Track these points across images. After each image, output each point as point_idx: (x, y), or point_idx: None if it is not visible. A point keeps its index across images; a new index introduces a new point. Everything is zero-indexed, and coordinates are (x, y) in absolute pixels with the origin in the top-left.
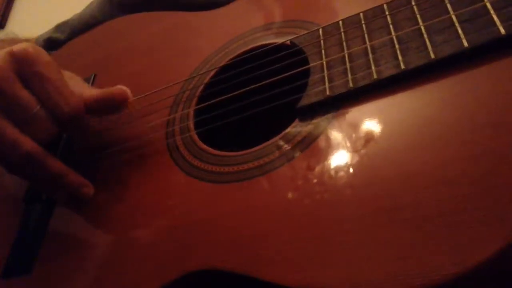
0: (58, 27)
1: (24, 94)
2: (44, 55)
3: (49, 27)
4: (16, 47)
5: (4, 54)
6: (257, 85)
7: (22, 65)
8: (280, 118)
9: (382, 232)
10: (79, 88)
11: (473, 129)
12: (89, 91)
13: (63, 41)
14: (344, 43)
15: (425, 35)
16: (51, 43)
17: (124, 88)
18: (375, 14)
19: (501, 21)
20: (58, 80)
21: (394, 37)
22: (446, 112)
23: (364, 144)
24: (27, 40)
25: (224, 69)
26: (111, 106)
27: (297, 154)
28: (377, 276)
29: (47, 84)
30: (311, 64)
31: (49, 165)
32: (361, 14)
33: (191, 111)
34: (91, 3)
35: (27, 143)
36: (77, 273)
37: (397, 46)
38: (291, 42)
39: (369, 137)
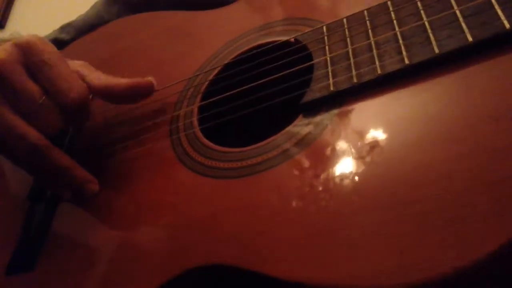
0: (63, 28)
1: (30, 85)
2: (48, 45)
3: (49, 27)
4: (21, 39)
5: (9, 46)
6: (261, 81)
7: (27, 56)
8: (284, 115)
9: (385, 227)
10: (95, 74)
11: (476, 125)
12: (112, 79)
13: (69, 42)
14: (348, 39)
15: (429, 30)
16: (57, 44)
17: (153, 79)
18: (379, 10)
19: (506, 16)
20: (64, 70)
21: (398, 33)
22: (450, 108)
23: (367, 140)
24: None
25: (228, 66)
26: (141, 94)
27: (301, 150)
28: (380, 270)
29: (53, 74)
30: (315, 60)
31: (55, 157)
32: (365, 11)
33: (195, 108)
34: (95, 3)
35: (33, 135)
36: (80, 269)
37: (401, 41)
38: (295, 39)
39: (372, 133)
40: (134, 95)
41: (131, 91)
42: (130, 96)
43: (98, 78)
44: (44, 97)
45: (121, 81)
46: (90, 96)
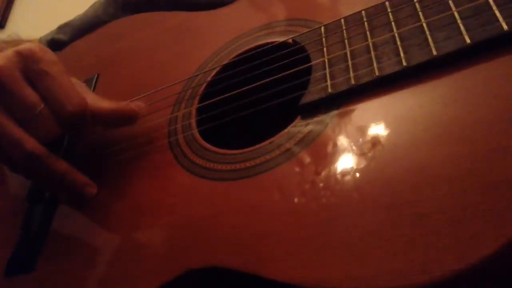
0: (61, 28)
1: (29, 93)
2: (50, 55)
3: (49, 27)
4: (22, 46)
5: (10, 53)
6: (259, 83)
7: (28, 64)
8: (282, 116)
9: (383, 229)
10: (86, 95)
11: (474, 126)
12: (101, 103)
13: (66, 42)
14: (346, 41)
15: (427, 32)
16: (54, 44)
17: (141, 105)
18: (377, 11)
19: (504, 17)
20: (63, 80)
21: (396, 34)
22: (448, 109)
23: (366, 142)
24: (30, 41)
25: (226, 67)
26: (124, 121)
27: (299, 152)
28: (378, 272)
29: (52, 83)
30: (313, 62)
31: (52, 164)
32: (363, 12)
33: (193, 109)
34: (93, 4)
35: (31, 142)
36: (79, 271)
37: (399, 43)
38: (293, 40)
39: (371, 135)
40: (117, 121)
41: (113, 117)
42: (112, 121)
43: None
44: (42, 106)
45: (104, 105)
46: None
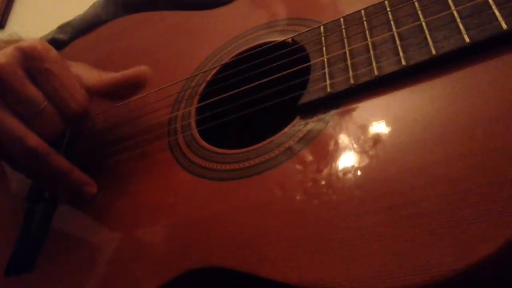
0: (61, 28)
1: (32, 90)
2: (51, 51)
3: (49, 27)
4: (24, 43)
5: (12, 50)
6: (258, 82)
7: (30, 61)
8: (282, 116)
9: (383, 229)
10: (91, 74)
11: (474, 126)
12: (107, 75)
13: (66, 41)
14: (345, 40)
15: (426, 31)
16: (54, 44)
17: (145, 67)
18: (376, 11)
19: (504, 16)
20: (66, 76)
21: (395, 34)
22: (447, 109)
23: (365, 141)
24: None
25: (225, 67)
26: (132, 86)
27: (298, 151)
28: (377, 272)
29: (55, 80)
30: (312, 61)
31: (54, 162)
32: (362, 11)
33: (193, 109)
34: (94, 4)
35: (33, 139)
36: (79, 271)
37: (398, 42)
38: (292, 39)
39: (370, 134)
40: (129, 87)
41: (125, 82)
42: (125, 88)
43: (93, 77)
44: (45, 103)
45: (115, 75)
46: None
